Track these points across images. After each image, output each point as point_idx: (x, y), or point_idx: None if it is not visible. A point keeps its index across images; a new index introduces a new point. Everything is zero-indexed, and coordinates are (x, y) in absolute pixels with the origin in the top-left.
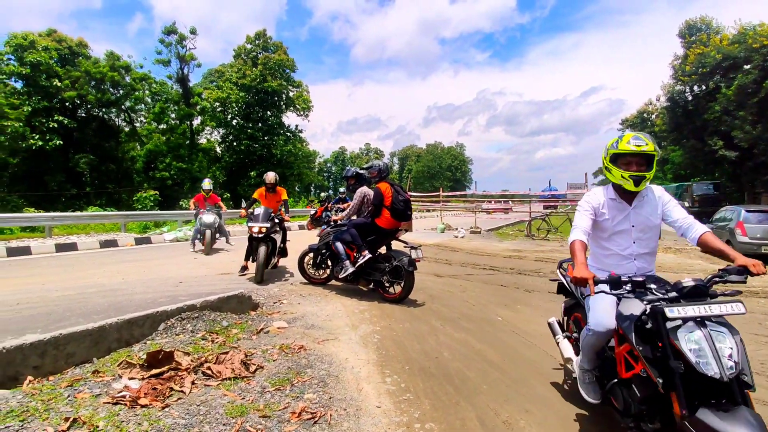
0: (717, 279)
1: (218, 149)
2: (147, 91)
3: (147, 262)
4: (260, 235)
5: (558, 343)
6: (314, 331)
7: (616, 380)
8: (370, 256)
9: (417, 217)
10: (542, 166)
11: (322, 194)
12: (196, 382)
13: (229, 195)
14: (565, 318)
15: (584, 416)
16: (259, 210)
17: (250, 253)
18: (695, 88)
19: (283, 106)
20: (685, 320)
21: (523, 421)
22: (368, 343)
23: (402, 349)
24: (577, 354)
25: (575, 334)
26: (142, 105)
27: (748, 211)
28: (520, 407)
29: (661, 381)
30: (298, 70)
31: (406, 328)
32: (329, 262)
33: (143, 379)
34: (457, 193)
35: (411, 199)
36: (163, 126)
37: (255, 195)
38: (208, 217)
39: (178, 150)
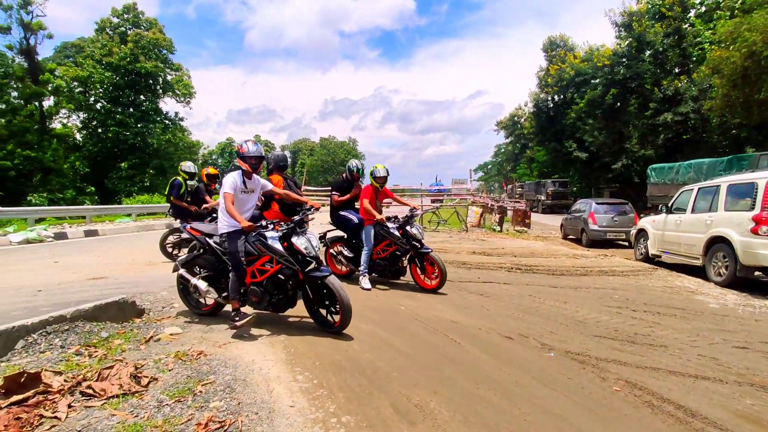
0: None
1: (78, 136)
2: None
3: None
4: None
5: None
6: (214, 335)
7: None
8: None
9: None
10: (431, 162)
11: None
12: (73, 404)
13: (93, 189)
14: None
15: (489, 389)
16: None
17: None
18: (555, 97)
19: (160, 91)
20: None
21: (433, 402)
22: (274, 342)
23: (311, 345)
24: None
25: None
26: None
27: (597, 204)
28: (429, 390)
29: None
30: (177, 51)
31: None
32: None
33: (1, 408)
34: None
35: (307, 193)
36: (2, 106)
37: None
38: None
39: (23, 135)
